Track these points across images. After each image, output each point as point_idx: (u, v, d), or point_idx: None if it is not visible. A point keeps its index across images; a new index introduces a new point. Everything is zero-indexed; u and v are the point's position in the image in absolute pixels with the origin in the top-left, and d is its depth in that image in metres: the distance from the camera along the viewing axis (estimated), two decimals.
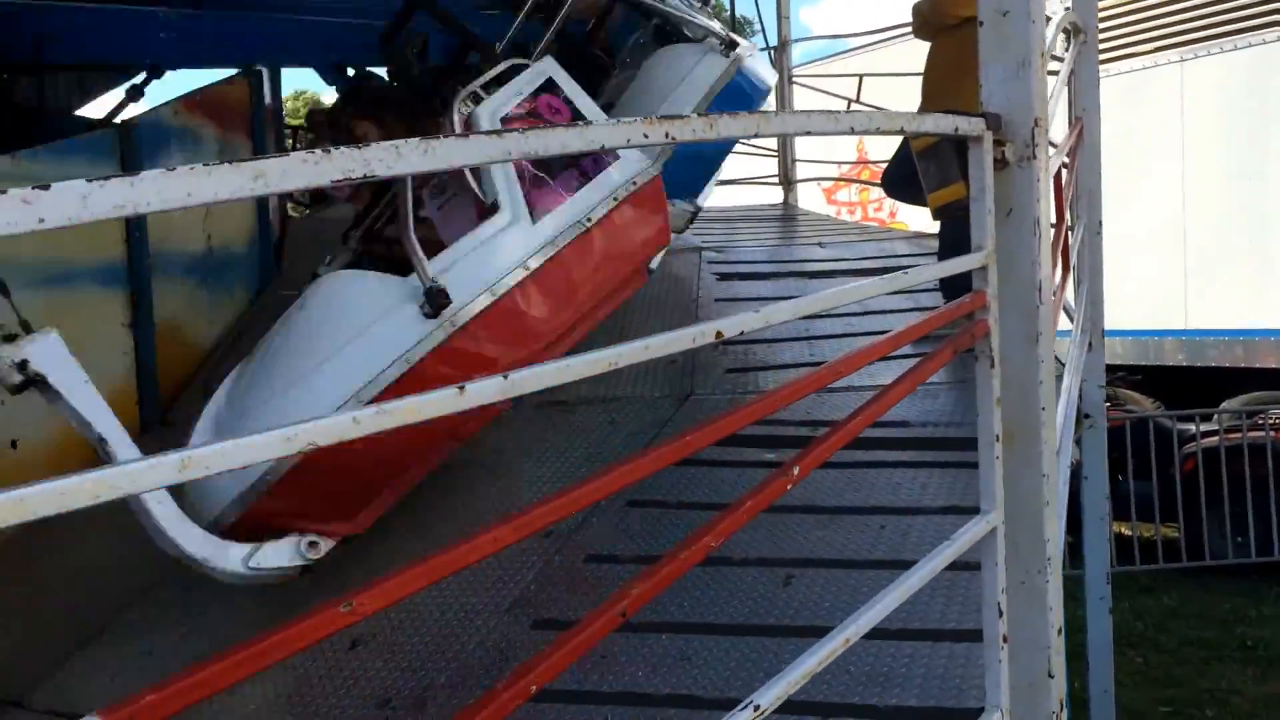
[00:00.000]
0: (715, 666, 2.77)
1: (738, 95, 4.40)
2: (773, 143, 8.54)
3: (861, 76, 8.07)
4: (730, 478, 3.79)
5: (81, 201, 0.79)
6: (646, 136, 1.23)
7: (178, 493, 2.53)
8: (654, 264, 3.65)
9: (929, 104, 4.02)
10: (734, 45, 4.47)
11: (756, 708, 1.36)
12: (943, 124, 1.67)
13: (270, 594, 3.47)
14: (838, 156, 9.97)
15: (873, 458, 3.64)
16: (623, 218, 3.51)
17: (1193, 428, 7.38)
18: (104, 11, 5.49)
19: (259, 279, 5.69)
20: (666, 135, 1.24)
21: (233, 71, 6.03)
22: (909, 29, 7.97)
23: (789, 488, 1.41)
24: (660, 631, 2.84)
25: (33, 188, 0.77)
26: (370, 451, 2.62)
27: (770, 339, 4.93)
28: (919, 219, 8.24)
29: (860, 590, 3.02)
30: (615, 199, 3.46)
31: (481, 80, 3.37)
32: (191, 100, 5.49)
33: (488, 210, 3.21)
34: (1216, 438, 7.12)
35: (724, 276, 5.83)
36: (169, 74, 6.21)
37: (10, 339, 2.10)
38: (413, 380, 2.85)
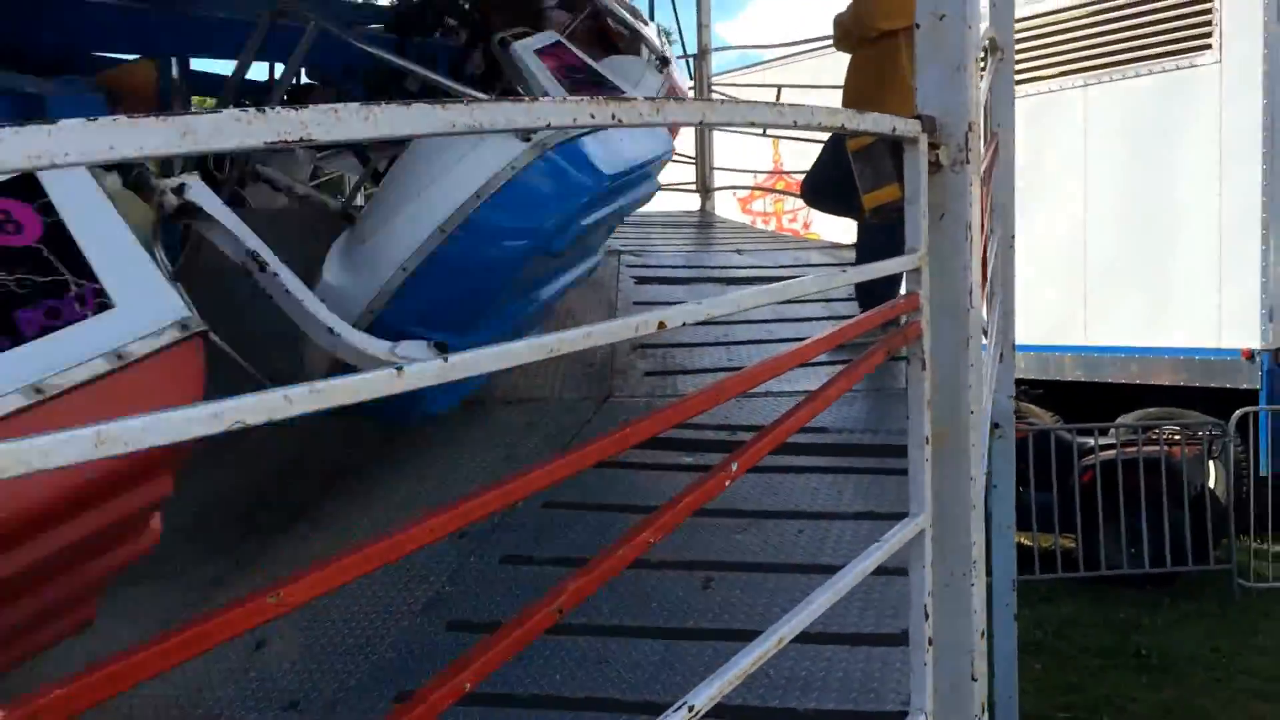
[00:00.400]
0: (635, 669, 2.74)
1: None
2: (690, 149, 8.58)
3: (780, 87, 8.16)
4: (648, 481, 3.77)
5: None
6: (593, 116, 1.19)
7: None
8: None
9: None
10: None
11: (690, 708, 1.32)
12: (881, 124, 1.67)
13: (171, 591, 3.34)
14: (754, 166, 10.08)
15: (791, 463, 3.65)
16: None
17: (1091, 441, 7.60)
18: None
19: None
20: (613, 117, 1.21)
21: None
22: (826, 42, 8.13)
23: (727, 484, 1.38)
24: (578, 634, 2.79)
25: None
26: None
27: (688, 343, 4.93)
28: (832, 231, 8.38)
29: (779, 593, 3.02)
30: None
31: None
32: (103, 76, 5.26)
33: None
34: (1114, 451, 7.35)
35: (642, 280, 5.82)
36: None
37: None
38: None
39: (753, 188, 10.59)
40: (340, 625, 3.02)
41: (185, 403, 1.88)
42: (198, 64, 6.53)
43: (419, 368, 1.01)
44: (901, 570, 2.66)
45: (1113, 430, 7.74)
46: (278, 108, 0.88)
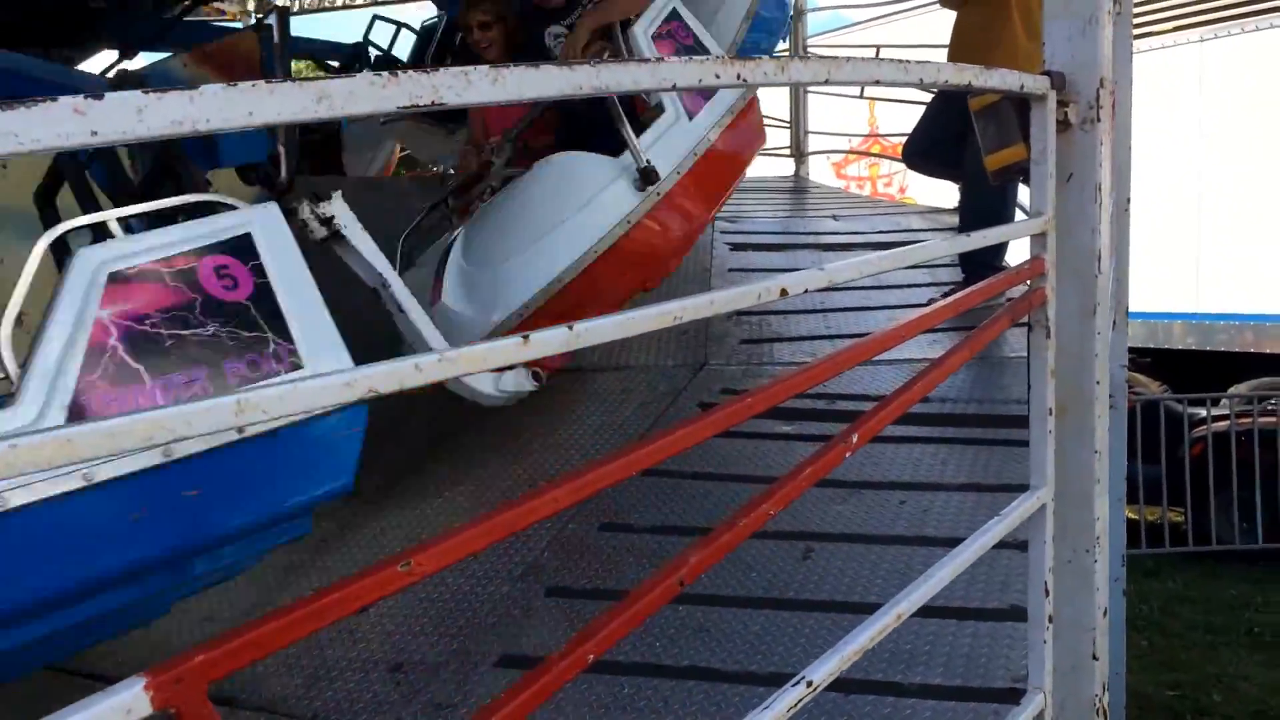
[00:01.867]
0: (734, 639, 2.72)
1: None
2: (784, 113, 8.43)
3: (878, 48, 7.95)
4: (745, 448, 3.73)
5: (137, 114, 0.71)
6: (718, 77, 1.16)
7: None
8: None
9: None
10: None
11: (809, 683, 1.30)
12: (1009, 80, 1.60)
13: (280, 552, 3.42)
14: (849, 129, 9.86)
15: (892, 432, 3.57)
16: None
17: (1202, 412, 7.32)
18: None
19: None
20: (738, 77, 1.17)
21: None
22: (926, 2, 7.90)
23: (847, 455, 1.34)
24: (677, 603, 2.78)
25: (85, 96, 0.70)
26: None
27: (783, 310, 4.87)
28: (929, 195, 8.17)
29: (880, 565, 2.97)
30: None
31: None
32: (201, 51, 5.37)
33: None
34: (1226, 422, 7.06)
35: (737, 247, 5.75)
36: None
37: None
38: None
39: (848, 152, 10.37)
40: (440, 589, 3.07)
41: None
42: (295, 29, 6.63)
43: (545, 334, 1.00)
44: (1012, 544, 2.61)
45: (1225, 400, 7.44)
46: (410, 71, 0.87)
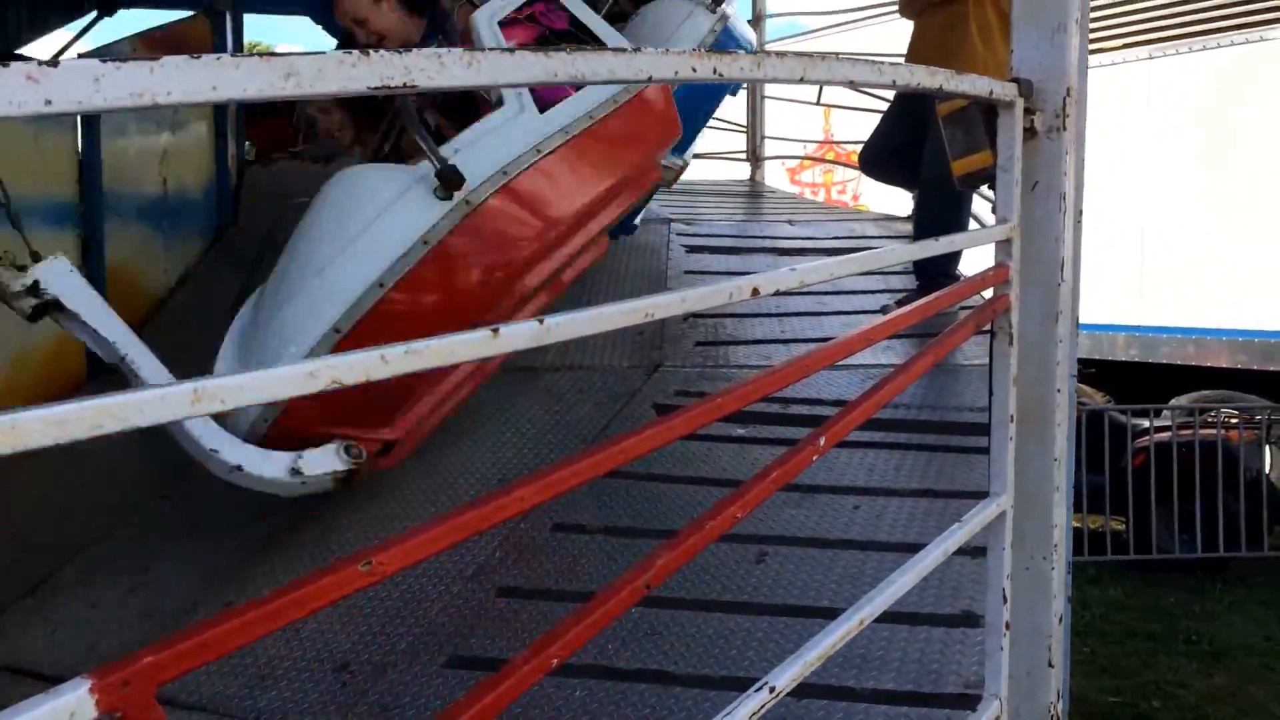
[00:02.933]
0: (686, 642, 2.70)
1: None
2: (741, 118, 8.45)
3: (837, 55, 7.99)
4: (697, 451, 3.72)
5: (94, 84, 0.67)
6: (695, 70, 1.14)
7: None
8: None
9: None
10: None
11: (772, 689, 1.28)
12: (978, 86, 1.60)
13: (223, 548, 3.35)
14: (804, 136, 9.92)
15: (846, 438, 3.58)
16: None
17: (1145, 423, 7.45)
18: None
19: (215, 225, 5.49)
20: (714, 71, 1.15)
21: (189, 13, 5.80)
22: (884, 10, 7.96)
23: (815, 458, 1.33)
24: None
25: (39, 63, 0.66)
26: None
27: (740, 313, 4.87)
28: (883, 203, 8.23)
29: (834, 569, 2.97)
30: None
31: None
32: (150, 39, 5.27)
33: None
34: (1169, 434, 7.20)
35: (693, 249, 5.75)
36: (120, 13, 5.94)
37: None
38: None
39: (803, 158, 10.43)
40: (389, 588, 3.01)
41: None
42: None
43: (515, 328, 0.97)
44: (964, 550, 2.62)
45: (1167, 412, 7.58)
46: (381, 51, 0.83)
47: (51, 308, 2.18)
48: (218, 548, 3.39)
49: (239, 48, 6.80)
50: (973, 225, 4.58)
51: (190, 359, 2.27)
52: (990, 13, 4.22)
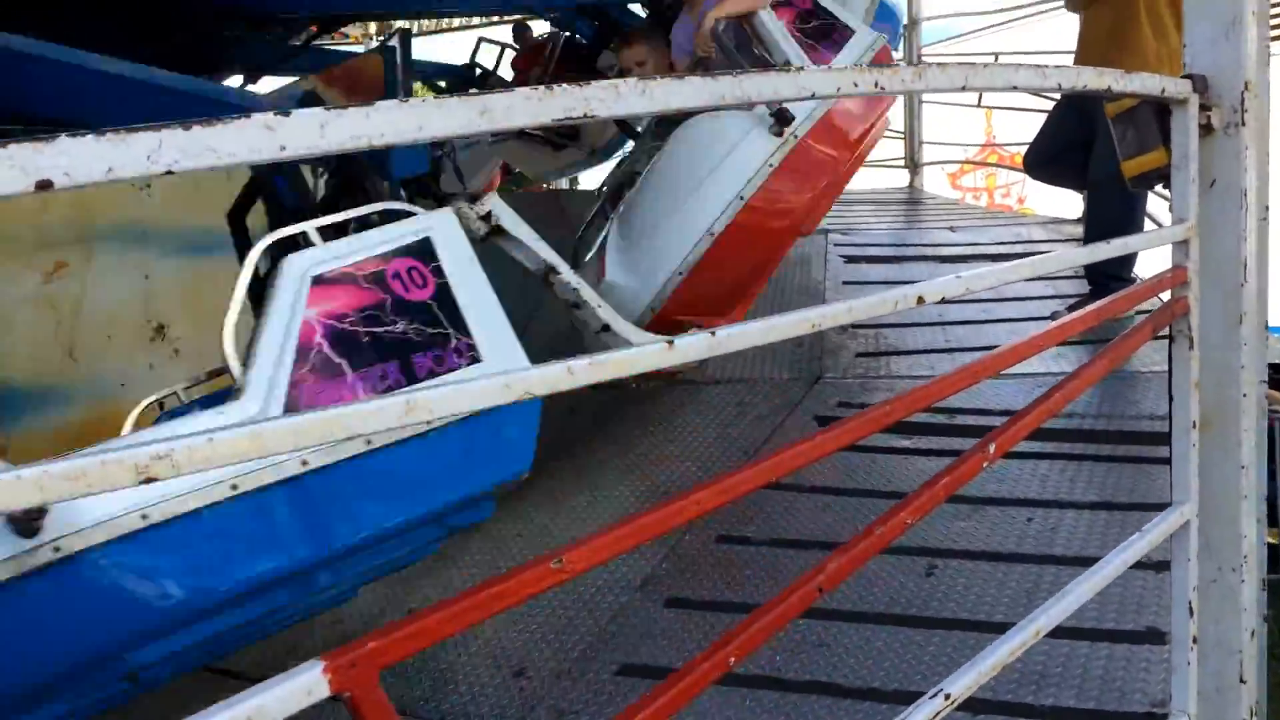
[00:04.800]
0: (855, 654, 2.70)
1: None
2: (899, 123, 8.33)
3: (996, 55, 7.80)
4: (861, 462, 3.69)
5: (320, 130, 0.76)
6: (856, 85, 1.16)
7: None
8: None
9: None
10: None
11: (947, 696, 1.28)
12: (1149, 84, 1.56)
13: None
14: (964, 139, 9.69)
15: (1016, 447, 3.49)
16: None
17: None
18: None
19: None
20: (876, 84, 1.17)
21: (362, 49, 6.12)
22: (1047, 6, 7.71)
23: (984, 466, 1.33)
24: (799, 616, 2.77)
25: (274, 113, 0.74)
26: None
27: (900, 323, 4.80)
28: (1050, 205, 7.95)
29: (1007, 583, 2.90)
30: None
31: None
32: (328, 75, 5.58)
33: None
34: None
35: (851, 259, 5.70)
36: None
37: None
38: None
39: (964, 162, 10.19)
40: (562, 597, 3.11)
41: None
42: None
43: (688, 340, 1.01)
44: (1145, 564, 2.53)
45: None
46: (564, 85, 0.90)
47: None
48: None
49: (409, 77, 7.14)
50: (1148, 226, 4.39)
51: None
52: (1162, 2, 4.05)
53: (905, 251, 5.93)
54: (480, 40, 7.03)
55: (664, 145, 3.70)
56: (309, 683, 0.75)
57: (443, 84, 6.81)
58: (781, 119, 3.54)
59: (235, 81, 6.18)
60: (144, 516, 1.87)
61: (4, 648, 1.80)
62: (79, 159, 0.66)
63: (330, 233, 2.26)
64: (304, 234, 2.22)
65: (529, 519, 3.59)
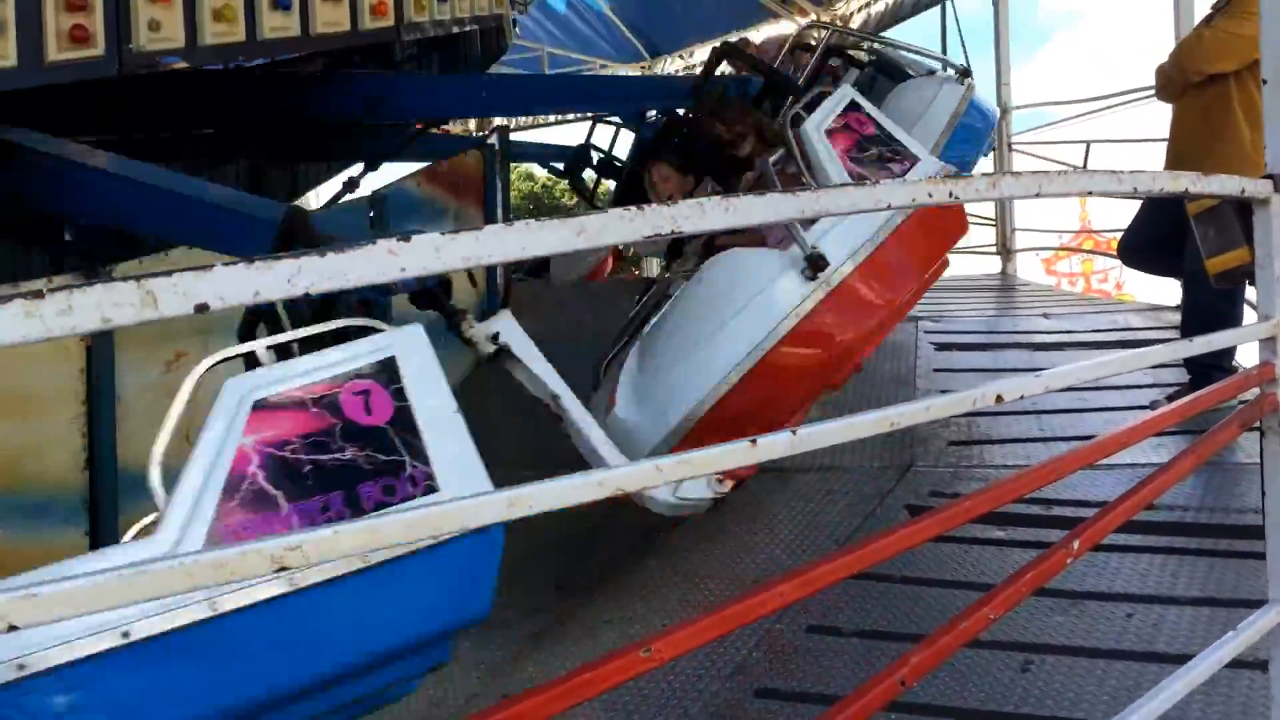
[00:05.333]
0: None
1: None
2: (990, 210, 8.32)
3: (1088, 143, 7.77)
4: (954, 553, 3.65)
5: (435, 252, 0.85)
6: (930, 195, 1.22)
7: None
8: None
9: (1179, 167, 3.83)
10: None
11: None
12: (1228, 185, 1.59)
13: (492, 642, 3.57)
14: (1059, 225, 9.61)
15: (1116, 541, 3.42)
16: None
17: None
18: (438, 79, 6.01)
19: None
20: (950, 194, 1.23)
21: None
22: (1142, 92, 7.68)
23: (1069, 562, 1.34)
24: (892, 710, 2.74)
25: (396, 238, 0.83)
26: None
27: (994, 411, 4.75)
28: (1149, 291, 7.81)
29: (1106, 681, 2.83)
30: None
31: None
32: (431, 172, 5.87)
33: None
34: None
35: (942, 346, 5.69)
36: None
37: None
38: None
39: (1058, 248, 10.09)
40: (652, 685, 3.12)
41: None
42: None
43: (771, 440, 1.07)
44: (1255, 663, 2.45)
45: None
46: (654, 205, 0.98)
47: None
48: (488, 642, 3.63)
49: (506, 174, 7.45)
50: (1249, 314, 4.31)
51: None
52: (1255, 92, 4.04)
53: (997, 339, 5.89)
54: (595, 121, 7.28)
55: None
56: None
57: (559, 165, 7.09)
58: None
59: (356, 169, 6.57)
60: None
61: None
62: (231, 284, 0.76)
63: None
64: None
65: (621, 605, 3.62)
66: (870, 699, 1.14)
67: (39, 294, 0.67)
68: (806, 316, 3.37)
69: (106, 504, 3.73)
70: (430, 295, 2.72)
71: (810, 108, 3.89)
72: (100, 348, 3.97)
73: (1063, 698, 2.77)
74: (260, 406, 1.98)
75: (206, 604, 1.80)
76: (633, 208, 0.98)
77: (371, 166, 6.30)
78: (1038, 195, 1.31)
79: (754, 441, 1.06)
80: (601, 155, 6.88)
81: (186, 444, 1.94)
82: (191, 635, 1.80)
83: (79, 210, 3.85)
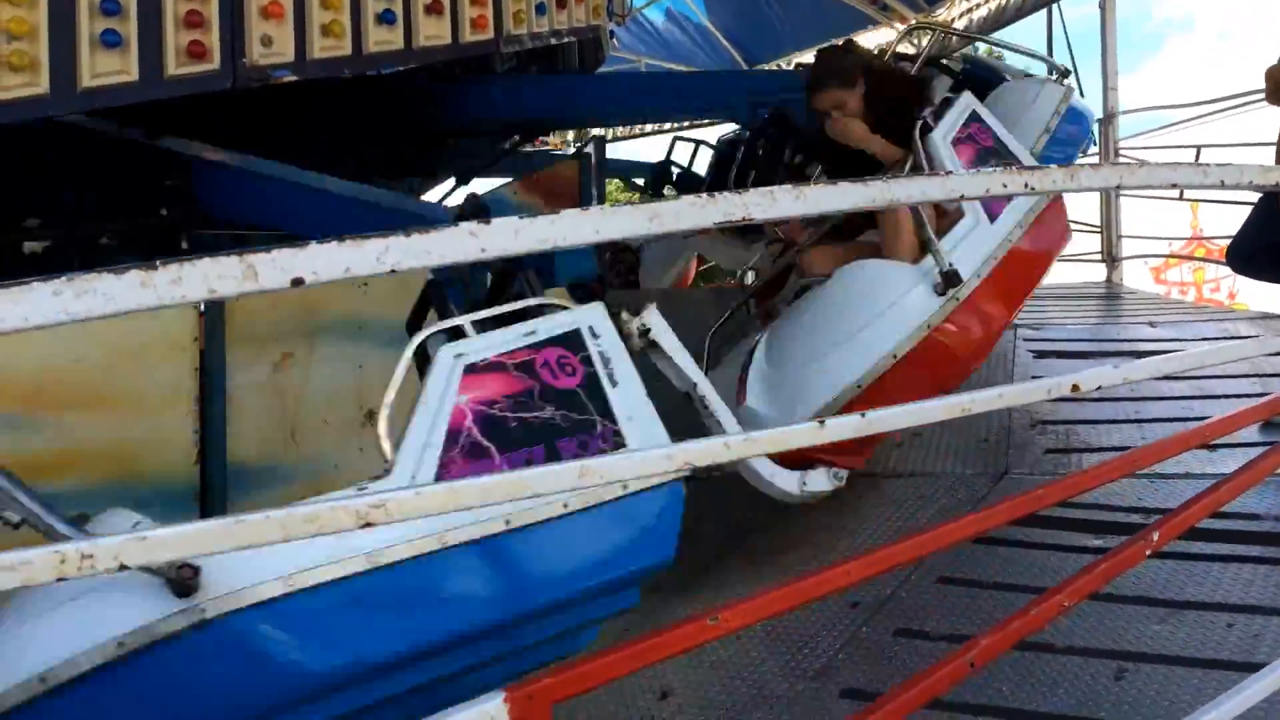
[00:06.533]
0: None
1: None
2: (1096, 217, 8.13)
3: (1199, 148, 7.54)
4: (1049, 561, 3.59)
5: (514, 235, 0.91)
6: (1005, 186, 1.24)
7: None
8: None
9: None
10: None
11: None
12: None
13: None
14: (1168, 233, 9.32)
15: (1218, 550, 3.33)
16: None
17: None
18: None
19: None
20: (1026, 185, 1.24)
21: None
22: (1252, 98, 7.42)
23: (1147, 553, 1.34)
24: (978, 714, 2.71)
25: (477, 221, 0.89)
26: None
27: (1094, 419, 4.66)
28: (1265, 300, 7.52)
29: (1204, 691, 2.75)
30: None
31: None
32: (529, 179, 6.00)
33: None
34: None
35: (1040, 354, 5.58)
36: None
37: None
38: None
39: (1168, 255, 9.78)
40: (738, 681, 3.15)
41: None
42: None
43: (841, 421, 1.10)
44: None
45: None
46: (724, 193, 1.02)
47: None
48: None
49: (601, 182, 7.56)
50: None
51: None
52: None
53: (1099, 347, 5.75)
54: (675, 139, 7.42)
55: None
56: (490, 710, 0.87)
57: (640, 181, 7.20)
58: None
59: (449, 183, 6.72)
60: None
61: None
62: (325, 260, 0.82)
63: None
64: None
65: (708, 601, 3.65)
66: (937, 679, 1.15)
67: (153, 265, 0.74)
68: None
69: (216, 496, 3.93)
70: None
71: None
72: (213, 349, 4.18)
73: (1157, 706, 2.71)
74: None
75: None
76: (705, 195, 1.03)
77: (464, 181, 6.46)
78: (1118, 187, 1.32)
79: (822, 423, 1.09)
80: (680, 170, 6.97)
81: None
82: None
83: (258, 217, 4.08)
